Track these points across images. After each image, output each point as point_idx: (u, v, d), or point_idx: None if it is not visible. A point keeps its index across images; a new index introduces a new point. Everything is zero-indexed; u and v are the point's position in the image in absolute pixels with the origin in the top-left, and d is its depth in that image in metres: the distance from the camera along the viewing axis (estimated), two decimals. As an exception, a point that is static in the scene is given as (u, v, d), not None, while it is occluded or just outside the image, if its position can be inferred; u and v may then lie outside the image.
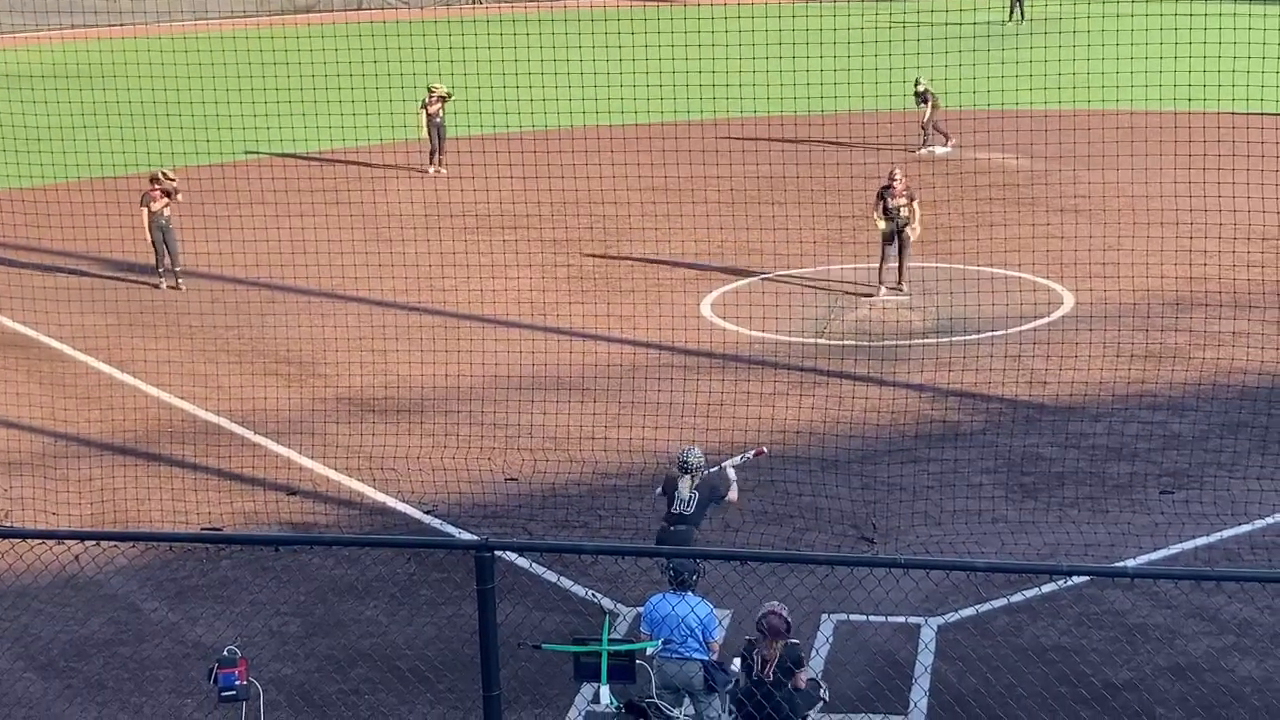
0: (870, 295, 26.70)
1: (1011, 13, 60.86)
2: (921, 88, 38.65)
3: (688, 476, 15.84)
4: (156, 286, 28.76)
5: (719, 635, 13.82)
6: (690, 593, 13.67)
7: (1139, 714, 14.15)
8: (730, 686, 13.71)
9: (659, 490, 16.23)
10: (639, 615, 14.19)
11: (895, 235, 26.78)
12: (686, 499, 15.78)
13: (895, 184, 26.77)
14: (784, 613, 13.62)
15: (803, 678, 13.54)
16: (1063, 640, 15.50)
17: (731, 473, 16.44)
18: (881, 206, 26.91)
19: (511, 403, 22.13)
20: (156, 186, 28.88)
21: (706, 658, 13.52)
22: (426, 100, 37.73)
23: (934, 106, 38.64)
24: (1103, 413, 21.23)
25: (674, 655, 13.50)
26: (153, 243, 28.79)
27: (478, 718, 10.16)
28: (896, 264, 26.87)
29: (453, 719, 14.57)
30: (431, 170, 37.82)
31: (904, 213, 26.73)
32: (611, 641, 11.02)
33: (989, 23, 56.68)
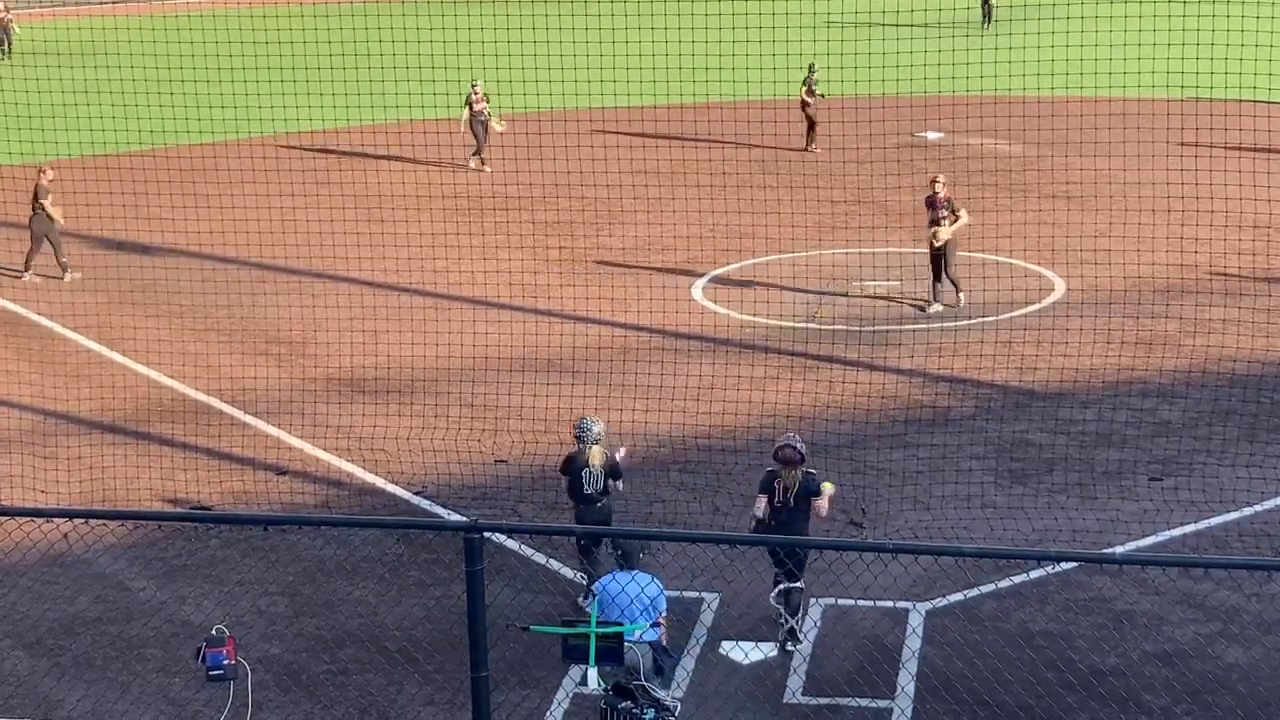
0: (925, 308, 25.20)
1: (985, 17, 60.04)
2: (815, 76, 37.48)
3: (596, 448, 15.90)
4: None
5: (664, 607, 13.99)
6: (639, 571, 13.90)
7: (1125, 700, 14.18)
8: (675, 667, 14.12)
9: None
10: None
11: (941, 248, 25.04)
12: (597, 476, 15.91)
13: (938, 193, 25.05)
14: (798, 444, 15.11)
15: (823, 506, 15.07)
16: (1050, 626, 15.53)
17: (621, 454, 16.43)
18: (930, 219, 25.09)
19: (501, 384, 22.13)
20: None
21: (655, 638, 13.60)
22: (472, 97, 36.38)
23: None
24: (1092, 399, 21.25)
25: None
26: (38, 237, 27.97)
27: (465, 699, 10.18)
28: (943, 278, 25.11)
29: (441, 700, 14.58)
30: (473, 165, 36.30)
31: (947, 222, 24.94)
32: (600, 624, 11.03)
33: (969, 20, 56.32)
